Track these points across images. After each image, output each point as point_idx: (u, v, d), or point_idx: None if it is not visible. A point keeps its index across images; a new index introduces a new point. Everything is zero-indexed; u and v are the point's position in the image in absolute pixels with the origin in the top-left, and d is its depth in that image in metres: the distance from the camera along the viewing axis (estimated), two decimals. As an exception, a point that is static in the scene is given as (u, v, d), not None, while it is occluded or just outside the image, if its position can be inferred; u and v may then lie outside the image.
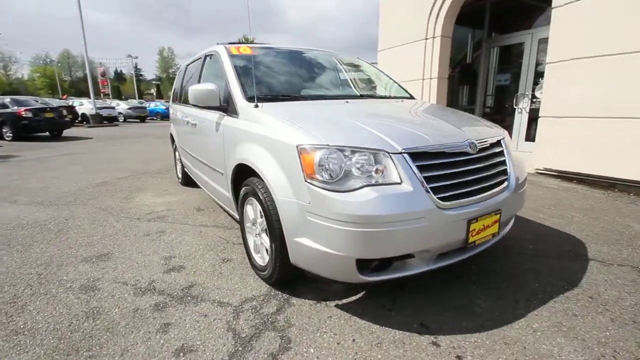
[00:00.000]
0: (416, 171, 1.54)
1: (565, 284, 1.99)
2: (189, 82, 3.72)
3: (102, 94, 32.75)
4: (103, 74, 31.53)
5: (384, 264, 1.58)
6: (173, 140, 4.76)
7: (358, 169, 1.52)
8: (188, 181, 4.41)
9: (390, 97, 2.80)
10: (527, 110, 6.10)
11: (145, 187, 4.52)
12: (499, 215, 1.79)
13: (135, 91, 44.00)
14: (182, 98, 4.00)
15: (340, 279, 1.61)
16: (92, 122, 16.93)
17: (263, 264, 2.03)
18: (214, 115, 2.51)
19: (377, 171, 1.53)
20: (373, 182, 1.50)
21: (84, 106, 18.11)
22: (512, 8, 6.29)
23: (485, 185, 1.75)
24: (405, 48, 6.47)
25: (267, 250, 2.00)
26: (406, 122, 2.06)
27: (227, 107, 2.33)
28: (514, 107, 6.24)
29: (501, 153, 1.96)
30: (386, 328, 1.63)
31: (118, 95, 47.21)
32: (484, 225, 1.72)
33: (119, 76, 75.15)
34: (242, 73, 2.39)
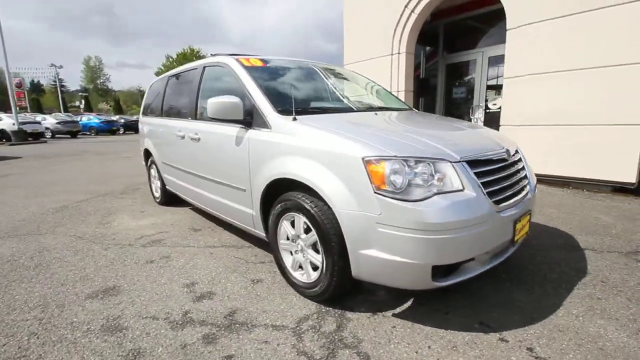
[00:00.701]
0: (475, 178, 1.65)
1: (576, 272, 2.25)
2: (176, 95, 3.50)
3: (17, 108, 28.84)
4: (19, 85, 27.82)
5: (450, 268, 1.65)
6: (148, 157, 4.38)
7: (424, 178, 1.58)
8: (169, 200, 4.09)
9: (401, 109, 2.92)
10: (482, 120, 6.77)
11: (116, 210, 4.08)
12: (529, 215, 1.97)
13: (60, 104, 39.32)
14: (163, 112, 3.74)
15: (411, 287, 1.63)
16: (15, 140, 14.74)
17: (309, 281, 1.97)
18: (231, 129, 2.39)
19: (439, 179, 1.60)
20: (439, 190, 1.57)
21: (3, 121, 15.74)
22: (462, 29, 7.00)
23: (518, 188, 1.93)
24: (373, 62, 6.81)
25: (313, 266, 1.95)
26: (447, 131, 2.18)
27: (250, 120, 2.24)
28: (471, 117, 6.90)
29: (520, 159, 2.18)
30: (452, 331, 1.68)
31: (38, 108, 41.78)
32: (522, 224, 1.88)
33: (37, 87, 66.73)
34: (265, 85, 2.33)
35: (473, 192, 1.61)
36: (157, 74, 24.20)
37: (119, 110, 48.56)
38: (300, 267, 2.06)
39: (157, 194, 4.31)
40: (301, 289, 2.01)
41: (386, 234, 1.55)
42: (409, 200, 1.52)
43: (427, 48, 7.76)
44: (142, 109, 4.63)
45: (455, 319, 1.78)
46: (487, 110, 6.68)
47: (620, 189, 4.20)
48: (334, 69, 3.21)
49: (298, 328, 1.74)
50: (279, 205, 2.05)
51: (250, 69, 2.47)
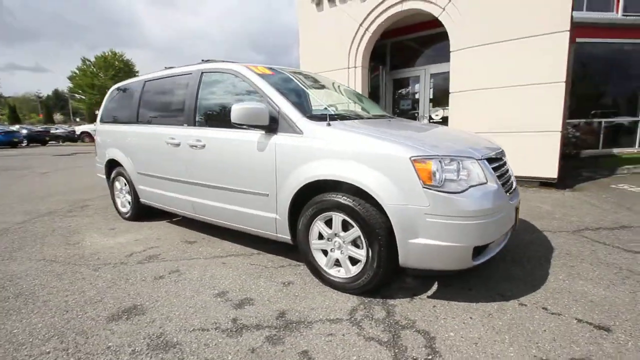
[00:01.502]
0: (493, 172, 1.99)
1: (545, 249, 2.77)
2: (161, 101, 3.31)
3: None
4: None
5: (480, 249, 1.93)
6: (111, 169, 3.97)
7: (458, 174, 1.85)
8: (139, 215, 3.78)
9: (391, 117, 3.23)
10: (427, 129, 7.60)
11: (78, 229, 3.62)
12: (519, 204, 2.41)
13: None
14: (140, 118, 3.48)
15: (454, 267, 1.87)
16: None
17: (348, 276, 2.08)
18: (250, 135, 2.39)
19: (468, 175, 1.89)
20: (473, 183, 1.86)
21: None
22: (407, 48, 7.82)
23: (512, 180, 2.34)
24: (332, 74, 7.14)
25: (352, 261, 2.08)
26: (459, 135, 2.51)
27: (275, 126, 2.29)
28: (417, 126, 7.69)
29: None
30: (481, 303, 1.97)
31: None
32: (518, 212, 2.29)
33: None
34: (287, 93, 2.41)
35: (495, 184, 1.94)
36: (72, 78, 21.34)
37: (15, 119, 41.20)
38: (336, 264, 2.17)
39: (125, 209, 3.93)
40: (340, 285, 2.12)
41: (434, 223, 1.78)
42: (452, 192, 1.78)
43: (374, 64, 8.46)
44: (101, 116, 4.19)
45: (478, 294, 2.08)
46: (431, 121, 7.53)
47: (545, 183, 5.16)
48: (325, 78, 3.39)
49: (353, 319, 1.85)
50: (313, 207, 2.14)
51: (265, 77, 2.52)
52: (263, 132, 2.35)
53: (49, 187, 6.25)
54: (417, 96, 7.80)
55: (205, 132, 2.73)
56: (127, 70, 22.18)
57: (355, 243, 2.06)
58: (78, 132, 23.40)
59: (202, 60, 3.18)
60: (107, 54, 21.04)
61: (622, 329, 1.70)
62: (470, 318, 1.83)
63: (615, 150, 8.38)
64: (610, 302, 1.95)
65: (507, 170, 2.32)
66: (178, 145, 2.92)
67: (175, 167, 3.02)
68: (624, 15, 12.38)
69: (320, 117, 2.28)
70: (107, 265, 2.63)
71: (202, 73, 2.88)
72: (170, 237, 3.28)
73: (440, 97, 7.54)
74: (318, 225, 2.17)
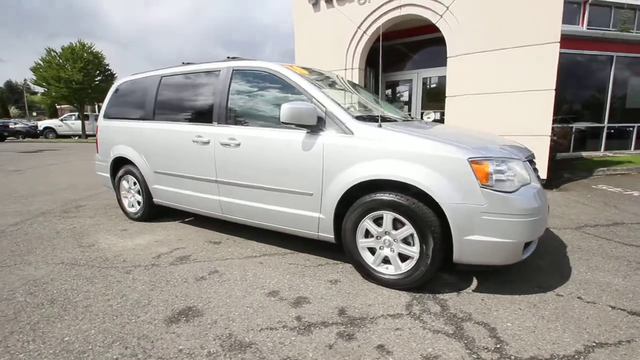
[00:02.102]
0: (534, 173, 2.14)
1: (559, 244, 3.00)
2: (183, 97, 3.21)
3: None
4: None
5: (526, 245, 2.07)
6: (118, 167, 3.80)
7: (508, 174, 1.98)
8: (150, 215, 3.66)
9: (417, 119, 3.34)
10: (418, 131, 7.87)
11: (85, 230, 3.43)
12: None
13: None
14: (157, 114, 3.36)
15: (507, 262, 2.00)
16: None
17: (398, 272, 2.16)
18: (295, 135, 2.40)
19: (515, 175, 2.03)
20: (522, 183, 1.99)
21: None
22: (401, 51, 8.05)
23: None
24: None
25: (402, 257, 2.16)
26: (497, 138, 2.65)
27: (322, 126, 2.32)
28: (409, 128, 7.93)
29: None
30: (524, 295, 2.12)
31: None
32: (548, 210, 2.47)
33: None
34: (331, 94, 2.44)
35: (537, 184, 2.09)
36: (35, 69, 19.82)
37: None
38: (384, 261, 2.24)
39: (134, 209, 3.77)
40: (391, 282, 2.19)
41: (490, 221, 1.89)
42: (507, 192, 1.90)
43: (368, 66, 8.62)
44: (105, 111, 3.98)
45: (519, 286, 2.23)
46: (423, 123, 7.79)
47: (534, 184, 5.54)
48: (342, 78, 3.44)
49: (412, 313, 1.93)
50: (362, 206, 2.19)
51: (306, 77, 2.53)
52: (308, 131, 2.37)
53: (29, 187, 5.82)
54: (408, 98, 8.04)
55: (240, 131, 2.70)
56: (96, 62, 20.87)
57: (406, 240, 2.13)
58: (41, 128, 21.75)
59: (228, 57, 3.13)
60: (74, 44, 19.74)
61: (653, 314, 1.90)
62: (520, 309, 1.96)
63: (584, 154, 9.11)
64: (632, 290, 2.17)
65: (537, 171, 2.50)
66: (207, 143, 2.86)
67: (202, 166, 2.95)
68: (588, 29, 13.46)
69: (366, 119, 2.34)
70: (138, 268, 2.52)
71: (234, 70, 2.84)
72: (192, 237, 3.19)
73: (432, 100, 7.83)
74: (367, 224, 2.22)
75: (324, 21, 7.18)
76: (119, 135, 3.73)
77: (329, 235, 2.42)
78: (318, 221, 2.42)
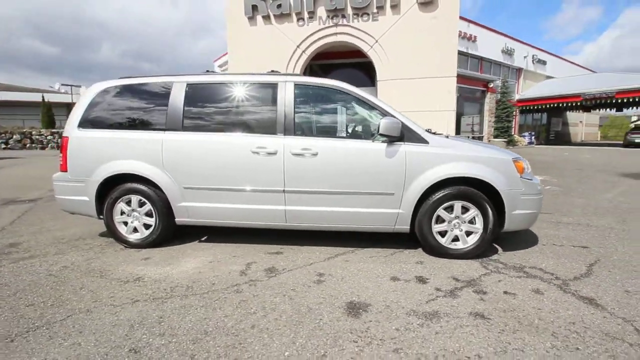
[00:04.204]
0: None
1: (566, 235, 4.37)
2: (229, 109, 3.09)
3: None
4: None
5: (531, 214, 3.14)
6: (109, 189, 3.17)
7: (529, 167, 3.01)
8: (166, 238, 3.27)
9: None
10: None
11: (105, 267, 2.79)
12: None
13: None
14: (186, 125, 3.09)
15: (530, 226, 3.01)
16: None
17: (466, 246, 2.89)
18: (377, 145, 2.84)
19: (529, 168, 3.08)
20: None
21: None
22: (334, 70, 8.98)
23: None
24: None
25: (467, 234, 2.91)
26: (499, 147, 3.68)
27: (401, 137, 2.84)
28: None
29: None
30: (548, 251, 3.18)
31: None
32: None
33: None
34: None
35: (536, 176, 3.22)
36: None
37: None
38: (454, 240, 2.93)
39: (138, 235, 3.23)
40: (461, 254, 2.89)
41: (526, 199, 2.86)
42: (531, 179, 2.92)
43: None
44: (82, 120, 3.22)
45: (537, 246, 3.31)
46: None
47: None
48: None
49: (494, 270, 2.68)
50: (437, 198, 2.84)
51: (374, 97, 3.00)
52: (386, 141, 2.85)
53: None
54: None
55: (314, 142, 2.90)
56: None
57: (470, 221, 2.89)
58: None
59: (272, 71, 3.21)
60: None
61: None
62: (559, 258, 2.97)
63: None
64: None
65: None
66: (273, 154, 2.91)
67: (264, 177, 2.95)
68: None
69: (429, 131, 3.01)
70: (234, 286, 2.39)
71: (295, 85, 3.00)
72: (244, 252, 3.07)
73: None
74: (440, 212, 2.88)
75: (262, 36, 7.39)
76: (119, 148, 3.13)
77: (404, 227, 2.94)
78: (397, 216, 2.91)
